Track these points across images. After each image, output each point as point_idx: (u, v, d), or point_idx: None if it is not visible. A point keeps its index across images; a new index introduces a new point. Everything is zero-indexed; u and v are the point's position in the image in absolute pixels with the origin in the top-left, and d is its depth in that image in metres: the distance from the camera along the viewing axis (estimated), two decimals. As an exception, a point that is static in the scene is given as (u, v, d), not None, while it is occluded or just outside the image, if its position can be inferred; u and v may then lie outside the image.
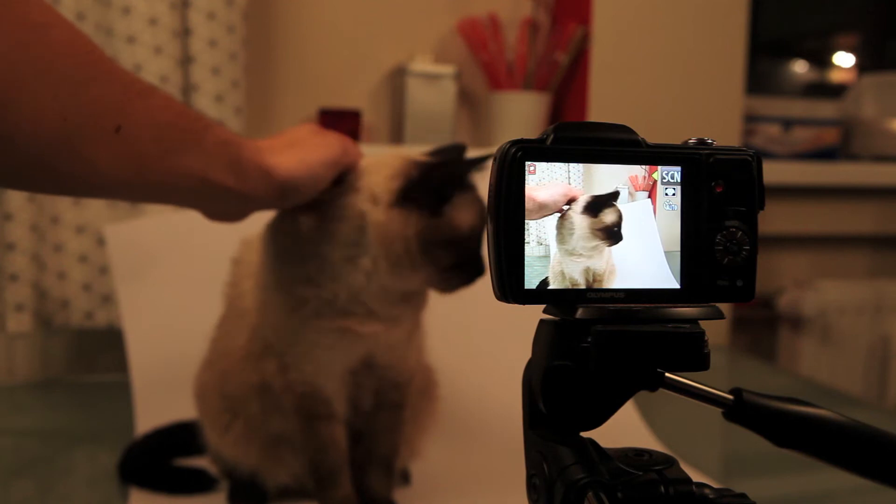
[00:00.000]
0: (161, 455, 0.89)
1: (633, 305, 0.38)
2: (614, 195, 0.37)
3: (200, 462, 0.86)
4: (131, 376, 1.02)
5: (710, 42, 1.52)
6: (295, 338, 0.72)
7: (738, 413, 0.39)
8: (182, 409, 0.87)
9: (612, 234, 0.37)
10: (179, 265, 1.09)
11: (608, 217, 0.37)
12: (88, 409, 1.13)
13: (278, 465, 0.78)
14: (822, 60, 2.14)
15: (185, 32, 1.21)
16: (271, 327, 0.73)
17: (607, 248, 0.37)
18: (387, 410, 0.78)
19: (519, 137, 0.37)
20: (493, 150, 0.38)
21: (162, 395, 0.97)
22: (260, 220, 0.81)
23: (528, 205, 0.36)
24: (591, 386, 0.38)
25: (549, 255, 0.37)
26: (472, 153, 0.74)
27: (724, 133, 1.52)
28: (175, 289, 1.08)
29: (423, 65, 1.42)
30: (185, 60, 1.22)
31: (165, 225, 1.14)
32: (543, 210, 0.36)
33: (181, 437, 0.89)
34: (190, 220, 1.15)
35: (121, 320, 1.07)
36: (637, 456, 0.39)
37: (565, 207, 0.37)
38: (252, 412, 0.77)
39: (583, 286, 0.37)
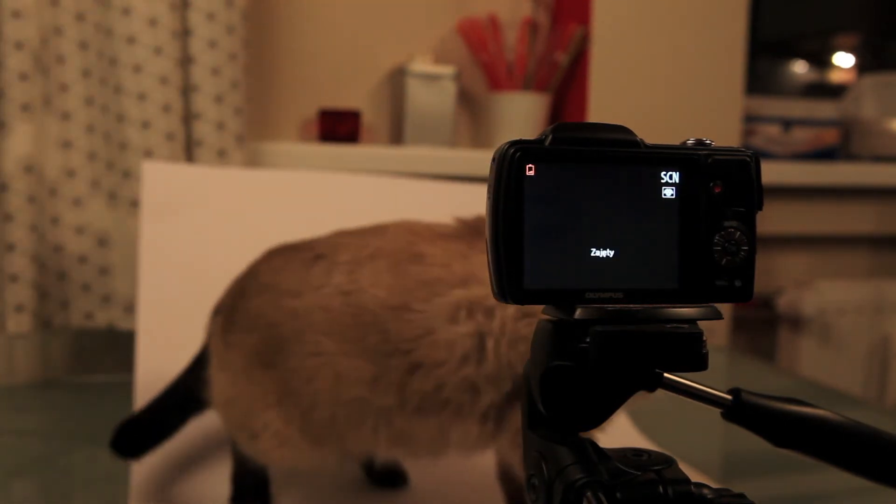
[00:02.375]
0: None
1: (631, 306, 0.38)
2: (613, 196, 0.37)
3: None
4: (138, 318, 0.99)
5: (710, 42, 1.52)
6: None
7: (736, 413, 0.39)
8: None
9: (612, 234, 0.37)
10: (212, 217, 1.07)
11: (607, 217, 0.37)
12: (88, 409, 1.12)
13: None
14: (822, 60, 2.14)
15: (184, 33, 1.21)
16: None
17: (606, 248, 0.37)
18: None
19: (518, 138, 0.37)
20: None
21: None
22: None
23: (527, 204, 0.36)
24: (590, 386, 0.38)
25: (548, 254, 0.37)
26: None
27: (724, 133, 1.52)
28: (200, 241, 1.05)
29: (423, 65, 1.43)
30: (185, 61, 1.22)
31: (205, 175, 1.12)
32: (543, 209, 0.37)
33: None
34: (231, 177, 1.12)
35: (137, 258, 1.03)
36: (636, 456, 0.39)
37: (565, 208, 0.37)
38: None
39: (582, 286, 0.37)
